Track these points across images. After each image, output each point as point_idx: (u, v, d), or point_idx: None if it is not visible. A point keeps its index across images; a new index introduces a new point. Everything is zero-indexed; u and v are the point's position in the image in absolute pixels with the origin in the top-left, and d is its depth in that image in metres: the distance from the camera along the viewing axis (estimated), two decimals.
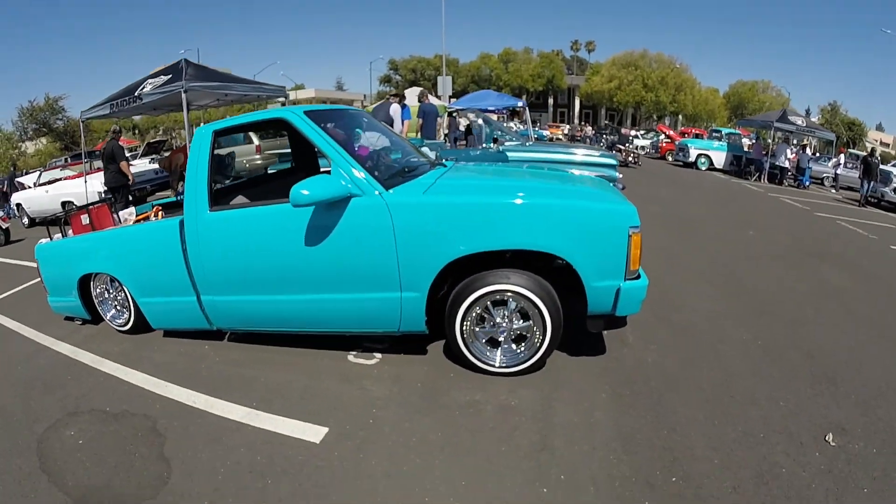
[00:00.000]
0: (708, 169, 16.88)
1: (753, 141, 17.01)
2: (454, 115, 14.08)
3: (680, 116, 42.98)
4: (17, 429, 2.49)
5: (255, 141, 10.22)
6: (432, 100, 13.37)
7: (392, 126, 6.56)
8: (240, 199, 3.35)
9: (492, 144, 6.46)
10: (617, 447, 2.18)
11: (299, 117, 2.61)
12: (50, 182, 10.48)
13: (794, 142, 17.52)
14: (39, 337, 3.61)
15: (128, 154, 8.95)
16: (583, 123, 42.06)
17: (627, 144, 18.80)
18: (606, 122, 44.16)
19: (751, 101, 42.21)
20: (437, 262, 2.40)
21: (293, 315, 2.79)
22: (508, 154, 6.12)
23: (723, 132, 19.90)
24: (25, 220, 10.18)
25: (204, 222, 2.72)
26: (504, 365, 2.62)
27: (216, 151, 2.92)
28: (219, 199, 3.02)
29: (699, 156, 16.86)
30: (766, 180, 14.90)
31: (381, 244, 2.42)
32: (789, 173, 15.21)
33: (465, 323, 2.55)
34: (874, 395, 2.65)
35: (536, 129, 24.12)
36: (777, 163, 14.94)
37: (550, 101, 51.37)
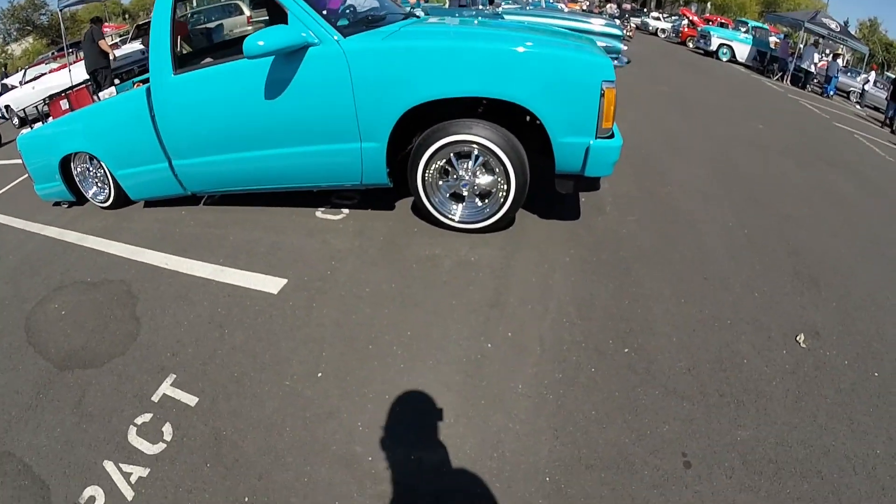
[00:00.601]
0: (729, 61, 15.97)
1: (781, 39, 15.22)
2: None
3: (708, 4, 39.52)
4: (8, 311, 2.71)
5: (246, 11, 9.62)
6: None
7: None
8: (207, 60, 3.15)
9: (487, 6, 5.73)
10: (571, 311, 2.14)
11: None
12: (35, 78, 10.42)
13: (827, 49, 16.62)
14: (29, 226, 3.79)
15: (118, 39, 8.63)
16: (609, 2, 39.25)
17: (626, 19, 19.49)
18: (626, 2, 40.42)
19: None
20: (395, 110, 2.27)
21: (259, 172, 2.73)
22: (506, 17, 5.48)
23: (749, 24, 18.48)
24: (16, 121, 10.20)
25: (168, 86, 2.61)
26: (465, 220, 2.53)
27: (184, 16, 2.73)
28: (186, 62, 2.85)
29: (721, 45, 16.06)
30: (788, 82, 13.93)
31: (339, 93, 2.30)
32: (814, 79, 14.42)
33: (427, 174, 2.42)
34: (856, 306, 2.50)
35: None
36: (803, 65, 14.00)
37: None
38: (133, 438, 1.77)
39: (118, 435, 1.79)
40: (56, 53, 13.59)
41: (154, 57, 2.62)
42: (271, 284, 2.35)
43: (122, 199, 3.43)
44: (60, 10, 8.41)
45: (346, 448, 1.62)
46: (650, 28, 23.85)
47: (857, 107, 14.05)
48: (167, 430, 1.77)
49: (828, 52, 16.26)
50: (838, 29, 14.84)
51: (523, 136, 2.37)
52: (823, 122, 9.13)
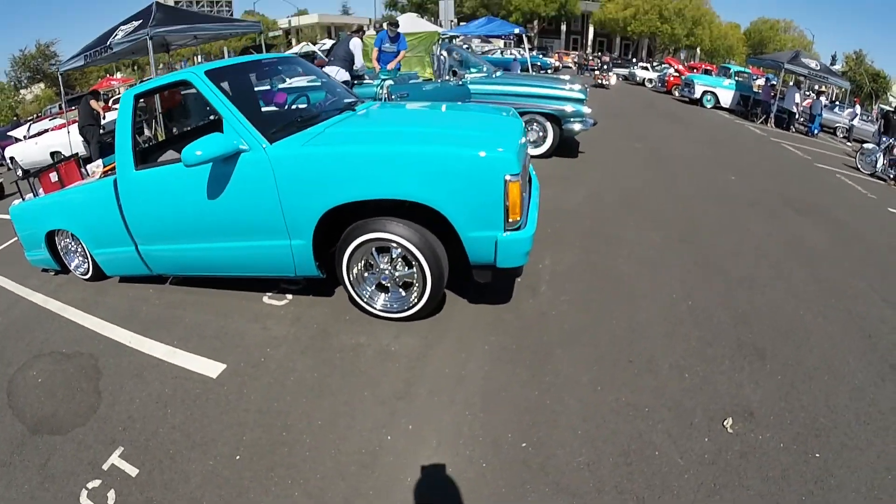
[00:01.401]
0: (714, 107, 17.93)
1: (773, 82, 16.85)
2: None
3: (698, 50, 46.20)
4: None
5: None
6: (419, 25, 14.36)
7: (353, 61, 6.88)
8: (169, 154, 3.95)
9: (451, 77, 6.56)
10: (476, 402, 2.49)
11: (198, 78, 3.03)
12: (38, 134, 12.33)
13: (816, 87, 19.19)
14: (19, 289, 4.67)
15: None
16: (597, 53, 45.65)
17: (604, 71, 23.77)
18: (594, 52, 47.96)
19: (772, 40, 46.17)
20: (315, 210, 2.81)
21: (208, 261, 3.43)
22: (471, 87, 6.34)
23: (731, 69, 20.76)
24: (20, 172, 11.79)
25: (131, 180, 3.34)
26: (387, 309, 3.09)
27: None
28: (148, 156, 3.63)
29: (705, 92, 18.13)
30: (773, 124, 15.54)
31: (267, 195, 2.87)
32: (798, 119, 16.02)
33: (352, 267, 3.01)
34: (806, 375, 2.65)
35: (539, 56, 28.95)
36: (785, 106, 15.63)
37: (563, 27, 55.38)
38: (84, 500, 2.42)
39: (72, 497, 2.44)
40: (58, 111, 15.33)
41: (119, 152, 3.34)
42: (212, 369, 3.01)
43: (100, 273, 4.22)
44: (61, 74, 9.73)
45: None
46: (637, 79, 26.77)
47: (847, 143, 15.41)
48: (111, 495, 2.41)
49: (810, 91, 18.09)
50: (818, 67, 16.40)
51: (448, 227, 2.77)
52: (804, 164, 9.85)
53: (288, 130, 3.04)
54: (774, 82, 16.57)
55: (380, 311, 3.13)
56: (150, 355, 3.27)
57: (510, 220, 2.63)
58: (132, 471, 2.48)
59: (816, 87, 19.68)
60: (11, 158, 12.51)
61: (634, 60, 35.70)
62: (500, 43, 27.52)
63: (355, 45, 7.17)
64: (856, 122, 16.20)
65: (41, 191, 4.83)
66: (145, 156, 3.60)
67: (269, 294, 3.66)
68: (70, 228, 4.08)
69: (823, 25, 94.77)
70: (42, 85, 37.05)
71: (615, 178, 6.41)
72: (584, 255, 4.06)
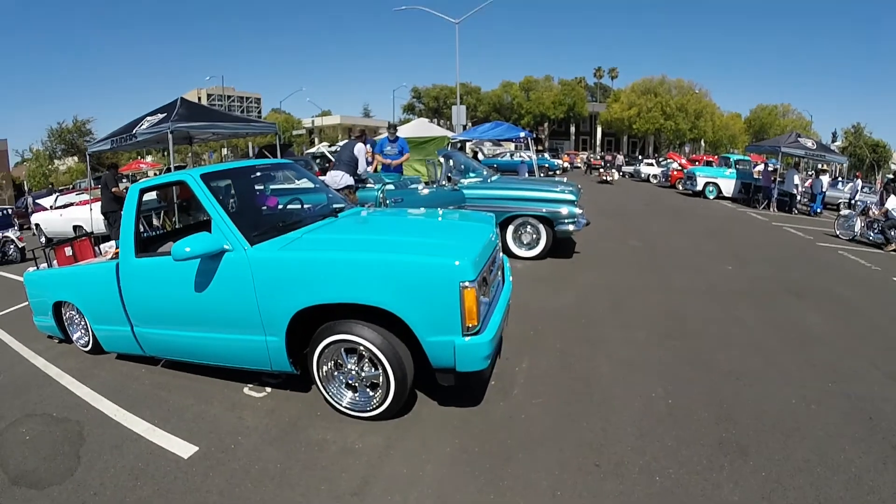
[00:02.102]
0: (717, 198, 20.01)
1: (773, 166, 18.77)
2: (458, 146, 16.61)
3: (702, 142, 52.35)
4: None
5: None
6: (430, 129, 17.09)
7: (357, 165, 8.00)
8: (168, 245, 4.72)
9: (445, 182, 7.54)
10: None
11: (194, 180, 3.86)
12: (63, 206, 14.46)
13: (820, 166, 21.07)
14: (24, 350, 5.42)
15: (124, 182, 11.57)
16: (601, 153, 51.56)
17: (607, 168, 28.85)
18: (603, 152, 54.57)
19: (772, 125, 51.84)
20: (287, 310, 3.35)
21: (194, 348, 4.08)
22: (466, 192, 7.30)
23: (731, 159, 23.08)
24: (43, 239, 13.80)
25: (131, 266, 4.12)
26: (353, 408, 3.60)
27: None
28: (150, 245, 4.45)
29: (707, 184, 20.27)
30: (775, 208, 17.35)
31: (246, 292, 3.47)
32: (800, 200, 17.92)
33: (322, 366, 3.59)
34: (793, 471, 2.78)
35: (546, 158, 33.76)
36: (786, 189, 17.47)
37: (572, 128, 64.10)
38: None
39: None
40: (84, 187, 17.51)
41: (122, 240, 4.09)
42: (185, 450, 3.52)
43: (98, 348, 4.91)
44: (89, 155, 11.39)
45: None
46: (642, 175, 29.89)
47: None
48: None
49: (819, 167, 19.93)
50: (815, 147, 18.29)
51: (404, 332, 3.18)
52: (804, 245, 10.53)
53: (269, 234, 3.69)
54: (778, 166, 18.28)
55: (346, 408, 3.63)
56: (131, 430, 3.84)
57: (467, 325, 3.03)
58: None
59: (820, 166, 21.49)
60: (37, 225, 14.58)
61: (640, 158, 40.01)
62: (511, 146, 30.32)
63: (359, 149, 8.31)
64: (857, 196, 17.36)
65: (55, 262, 5.74)
66: (147, 244, 4.41)
67: (250, 385, 4.24)
68: (75, 302, 4.89)
69: (821, 104, 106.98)
70: (76, 158, 41.61)
71: (606, 278, 6.99)
72: (562, 357, 4.43)
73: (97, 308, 4.64)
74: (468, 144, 22.52)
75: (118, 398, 4.28)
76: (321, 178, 8.45)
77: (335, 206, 4.63)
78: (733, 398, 3.68)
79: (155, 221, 6.96)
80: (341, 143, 15.43)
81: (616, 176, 27.92)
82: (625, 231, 11.13)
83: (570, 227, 7.31)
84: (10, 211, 14.13)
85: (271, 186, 5.57)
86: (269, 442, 3.54)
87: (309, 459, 3.32)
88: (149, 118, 9.47)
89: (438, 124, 32.53)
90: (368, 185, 8.24)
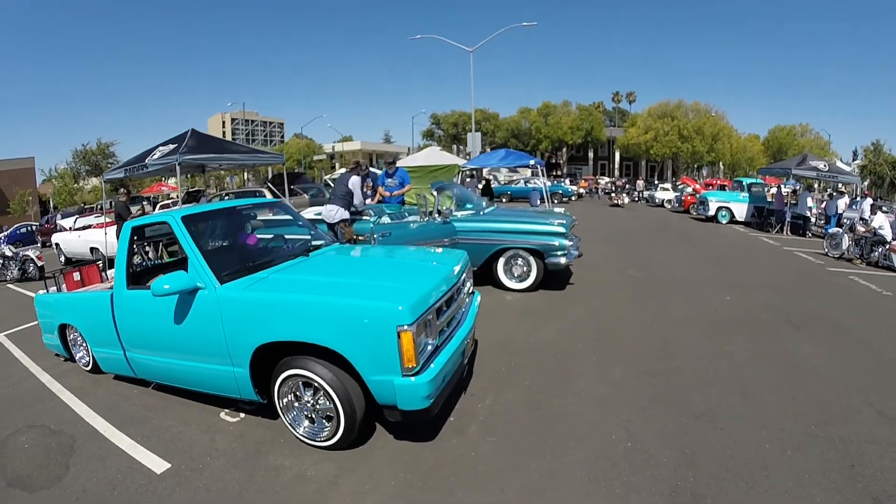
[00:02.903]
0: (730, 222, 20.49)
1: (790, 188, 19.23)
2: (469, 174, 17.51)
3: (721, 165, 53.99)
4: None
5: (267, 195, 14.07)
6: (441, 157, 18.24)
7: (352, 198, 8.64)
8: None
9: (436, 216, 8.07)
10: None
11: (175, 221, 4.49)
12: (82, 228, 16.07)
13: (840, 187, 21.60)
14: (32, 366, 6.31)
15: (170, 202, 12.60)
16: (616, 178, 53.76)
17: (617, 192, 31.77)
18: (620, 177, 56.32)
19: (790, 146, 53.10)
20: (249, 345, 3.90)
21: (173, 373, 4.76)
22: (457, 224, 7.89)
23: (744, 182, 23.59)
24: (62, 259, 15.43)
25: (122, 297, 4.87)
26: (308, 437, 4.13)
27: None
28: (142, 277, 5.10)
29: (719, 208, 20.59)
30: (788, 232, 17.71)
31: (215, 327, 4.05)
32: (815, 223, 18.28)
33: (283, 396, 4.14)
34: None
35: (560, 184, 34.78)
36: (799, 212, 17.78)
37: (590, 153, 66.34)
38: None
39: None
40: (104, 209, 19.14)
41: (117, 272, 4.84)
42: (159, 466, 4.15)
43: (97, 368, 5.68)
44: (105, 181, 12.44)
45: None
46: (657, 200, 30.74)
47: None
48: None
49: (828, 192, 20.09)
50: (826, 168, 18.76)
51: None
52: (813, 270, 10.46)
53: (238, 273, 4.24)
54: (796, 188, 18.39)
55: (302, 436, 4.13)
56: (116, 445, 4.53)
57: (405, 366, 3.39)
58: None
59: (840, 187, 21.71)
60: (57, 244, 16.11)
61: (656, 183, 41.42)
62: (527, 172, 31.17)
63: (354, 182, 8.83)
64: (844, 212, 17.78)
65: (64, 286, 6.62)
66: (141, 276, 5.03)
67: (227, 411, 4.87)
68: (77, 326, 5.70)
69: (840, 123, 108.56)
70: (99, 178, 45.86)
71: (597, 310, 7.17)
72: (530, 393, 4.62)
73: (95, 332, 5.40)
74: (484, 171, 23.29)
75: (110, 416, 5.01)
76: (320, 209, 9.11)
77: (312, 243, 5.29)
78: (700, 442, 3.70)
79: (153, 255, 7.65)
80: (338, 173, 16.31)
81: (626, 200, 30.67)
82: (626, 259, 11.34)
83: (562, 260, 7.64)
84: (33, 228, 15.37)
85: (263, 219, 6.17)
86: (233, 465, 4.12)
87: (265, 483, 3.85)
88: (161, 148, 10.49)
89: (458, 150, 33.64)
90: (364, 218, 8.82)
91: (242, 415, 4.78)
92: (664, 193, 30.81)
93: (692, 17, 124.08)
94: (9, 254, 13.82)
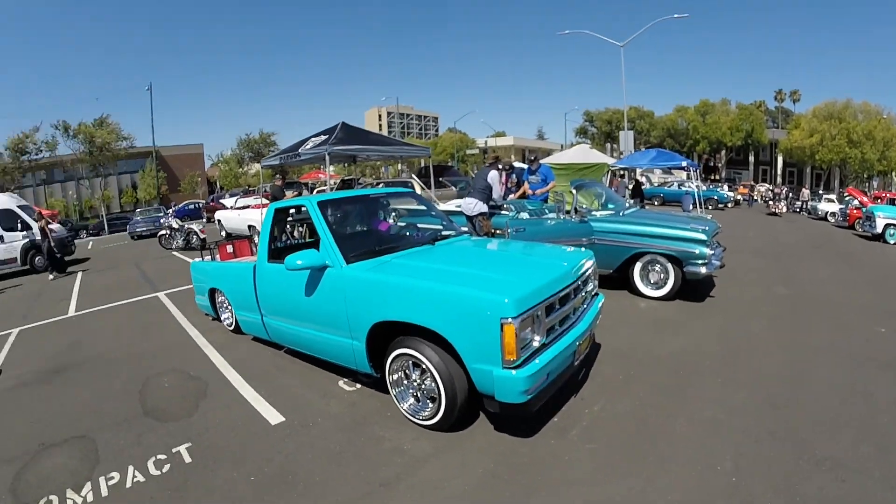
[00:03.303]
0: None
1: None
2: (619, 174, 15.95)
3: (893, 175, 47.72)
4: (143, 369, 5.62)
5: (418, 190, 14.41)
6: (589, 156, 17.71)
7: (491, 192, 8.62)
8: None
9: (572, 214, 7.70)
10: None
11: (311, 204, 4.87)
12: (242, 208, 18.10)
13: None
14: (183, 321, 7.26)
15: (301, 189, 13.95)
16: (774, 185, 48.27)
17: (775, 200, 29.64)
18: (783, 183, 50.74)
19: None
20: (366, 321, 4.13)
21: (300, 339, 5.07)
22: (594, 225, 7.47)
23: None
24: (223, 233, 17.41)
25: (263, 268, 5.35)
26: (410, 413, 4.12)
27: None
28: (282, 253, 5.43)
29: (887, 226, 17.38)
30: None
31: (339, 301, 4.35)
32: None
33: (393, 373, 4.20)
34: None
35: (716, 189, 32.34)
36: None
37: (751, 157, 61.12)
38: (149, 465, 3.80)
39: (143, 459, 3.87)
40: (264, 192, 21.12)
41: (260, 247, 5.40)
42: (275, 418, 4.40)
43: (238, 329, 6.28)
44: (262, 167, 13.60)
45: None
46: (819, 212, 26.82)
47: None
48: (166, 469, 3.76)
49: None
50: None
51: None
52: None
53: (364, 256, 4.52)
54: None
55: (405, 412, 4.18)
56: (242, 395, 4.90)
57: (506, 358, 3.39)
58: (188, 459, 3.92)
59: None
60: (219, 220, 18.45)
61: (821, 192, 36.72)
62: (682, 175, 28.53)
63: (493, 177, 8.78)
64: None
65: (217, 256, 7.44)
66: (281, 252, 5.38)
67: (345, 380, 5.03)
68: (224, 290, 6.40)
69: None
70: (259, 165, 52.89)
71: (730, 328, 6.32)
72: (641, 406, 4.29)
73: (239, 298, 6.03)
74: (637, 172, 22.14)
75: (242, 370, 5.47)
76: (460, 201, 9.22)
77: (442, 233, 5.39)
78: (815, 492, 3.23)
79: (297, 233, 8.26)
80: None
81: (783, 209, 28.89)
82: (775, 275, 9.74)
83: (701, 270, 6.91)
84: (199, 205, 17.44)
85: (398, 208, 6.33)
86: (340, 428, 4.22)
87: (363, 448, 3.90)
88: (313, 139, 11.40)
89: (611, 149, 32.39)
90: (503, 212, 8.76)
91: (358, 385, 4.89)
92: (828, 205, 27.08)
93: (864, 7, 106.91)
94: (175, 226, 16.48)
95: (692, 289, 7.49)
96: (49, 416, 4.89)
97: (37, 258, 14.92)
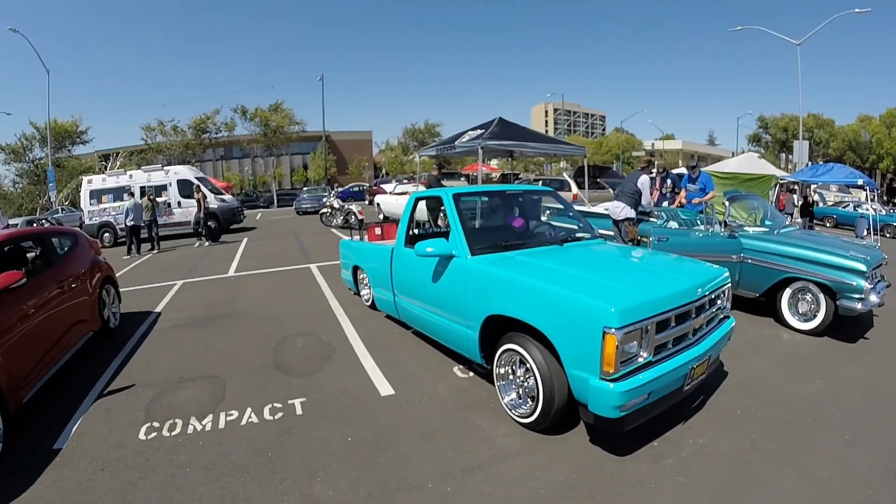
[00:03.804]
0: None
1: None
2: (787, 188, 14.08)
3: None
4: (282, 329, 6.36)
5: (574, 189, 13.89)
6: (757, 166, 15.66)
7: (640, 197, 8.08)
8: None
9: (721, 228, 6.93)
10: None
11: (446, 196, 5.06)
12: (400, 193, 18.98)
13: None
14: (328, 292, 8.01)
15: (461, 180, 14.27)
16: None
17: None
18: None
19: None
20: (481, 312, 4.24)
21: (422, 321, 5.30)
22: (744, 241, 6.68)
23: None
24: (381, 216, 18.73)
25: (400, 252, 5.67)
26: (510, 408, 4.08)
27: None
28: (418, 239, 5.67)
29: None
30: None
31: (460, 289, 4.55)
32: None
33: (500, 367, 4.19)
34: None
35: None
36: None
37: None
38: (265, 412, 4.20)
39: (260, 406, 4.30)
40: (421, 180, 22.15)
41: (399, 232, 5.77)
42: (385, 389, 4.66)
43: (374, 306, 6.76)
44: (420, 156, 14.11)
45: None
46: None
47: None
48: (278, 417, 4.12)
49: None
50: None
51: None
52: None
53: (490, 249, 4.65)
54: None
55: (506, 405, 4.16)
56: (362, 364, 5.28)
57: (604, 369, 3.29)
58: (299, 412, 4.32)
59: None
60: (378, 204, 19.97)
61: None
62: (862, 195, 24.25)
63: (643, 182, 8.24)
64: None
65: (366, 237, 8.02)
66: (418, 239, 5.64)
67: (460, 367, 5.14)
68: (365, 269, 6.89)
69: None
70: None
71: (880, 379, 5.14)
72: (748, 449, 3.81)
73: (376, 276, 6.49)
74: (812, 188, 19.66)
75: (368, 342, 5.89)
76: (609, 205, 8.93)
77: (576, 234, 5.27)
78: None
79: (441, 221, 8.57)
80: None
81: None
82: None
83: (857, 305, 5.88)
84: (363, 187, 18.73)
85: (546, 205, 6.41)
86: (442, 409, 4.33)
87: (456, 432, 3.97)
88: (469, 132, 11.69)
89: (786, 160, 28.99)
90: (651, 219, 8.29)
91: (471, 374, 4.97)
92: None
93: None
94: (336, 205, 18.07)
95: (845, 326, 6.38)
96: (193, 355, 5.75)
97: (209, 222, 17.07)
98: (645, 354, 3.48)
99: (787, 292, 6.44)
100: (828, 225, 23.63)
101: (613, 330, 3.21)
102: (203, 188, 18.01)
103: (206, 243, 16.06)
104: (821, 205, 24.93)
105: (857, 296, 5.86)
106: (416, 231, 6.47)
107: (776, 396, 4.68)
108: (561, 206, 6.04)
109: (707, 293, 4.04)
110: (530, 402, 3.95)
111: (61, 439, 4.08)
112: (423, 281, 5.03)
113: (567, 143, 14.63)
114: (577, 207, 11.64)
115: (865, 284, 5.73)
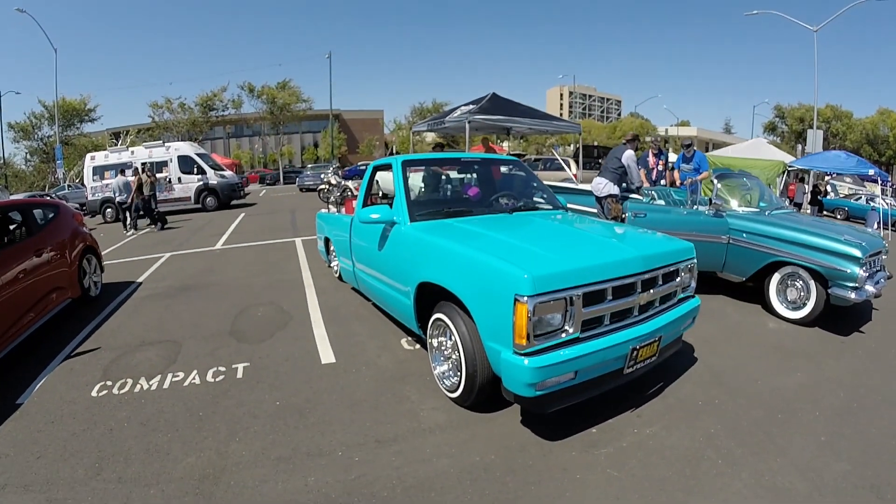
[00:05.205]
0: None
1: None
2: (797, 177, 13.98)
3: None
4: (249, 298, 6.60)
5: (573, 170, 13.83)
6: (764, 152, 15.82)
7: (624, 173, 7.99)
8: None
9: (706, 207, 6.84)
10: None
11: (395, 163, 5.11)
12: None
13: None
14: (304, 264, 8.23)
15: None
16: None
17: None
18: None
19: None
20: (414, 279, 4.24)
21: (372, 290, 5.39)
22: (731, 222, 6.55)
23: None
24: (380, 193, 18.00)
25: (356, 222, 5.72)
26: (439, 379, 4.09)
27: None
28: None
29: None
30: None
31: (399, 257, 4.58)
32: None
33: (432, 337, 4.18)
34: None
35: None
36: None
37: None
38: (208, 376, 4.41)
39: (204, 371, 4.46)
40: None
41: (358, 200, 5.91)
42: (327, 358, 4.79)
43: (341, 277, 6.85)
44: (413, 133, 14.20)
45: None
46: None
47: None
48: (220, 378, 4.31)
49: None
50: None
51: None
52: None
53: (430, 216, 4.68)
54: None
55: (437, 376, 4.16)
56: (313, 334, 5.42)
57: (515, 340, 3.11)
58: (239, 375, 4.49)
59: None
60: (377, 181, 19.35)
61: None
62: (877, 188, 23.77)
63: (628, 157, 8.05)
64: None
65: (343, 210, 8.11)
66: None
67: (408, 339, 5.22)
68: (332, 239, 7.01)
69: None
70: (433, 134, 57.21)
71: (870, 377, 4.80)
72: (702, 445, 3.51)
73: (340, 247, 6.59)
74: (826, 178, 19.44)
75: (325, 312, 6.05)
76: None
77: (536, 205, 5.38)
78: None
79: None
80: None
81: None
82: None
83: (850, 295, 5.60)
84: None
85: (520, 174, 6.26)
86: (376, 378, 4.42)
87: (383, 403, 4.02)
88: (462, 108, 11.62)
89: (801, 151, 28.46)
90: (633, 197, 8.12)
91: (417, 346, 5.04)
92: None
93: None
94: (333, 182, 17.99)
95: (839, 317, 6.13)
96: (159, 322, 5.98)
97: (208, 199, 17.37)
98: (571, 329, 3.26)
99: (776, 277, 6.30)
100: (838, 217, 23.10)
101: (526, 298, 3.01)
102: (203, 164, 18.29)
103: (129, 231, 14.94)
104: (832, 196, 24.48)
105: (850, 284, 5.62)
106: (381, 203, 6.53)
107: (748, 389, 4.41)
108: (523, 175, 5.94)
109: (657, 266, 3.76)
110: (455, 376, 3.88)
111: (24, 395, 4.33)
112: (372, 248, 5.13)
113: (561, 119, 14.46)
114: (565, 185, 11.65)
115: (860, 272, 5.54)
